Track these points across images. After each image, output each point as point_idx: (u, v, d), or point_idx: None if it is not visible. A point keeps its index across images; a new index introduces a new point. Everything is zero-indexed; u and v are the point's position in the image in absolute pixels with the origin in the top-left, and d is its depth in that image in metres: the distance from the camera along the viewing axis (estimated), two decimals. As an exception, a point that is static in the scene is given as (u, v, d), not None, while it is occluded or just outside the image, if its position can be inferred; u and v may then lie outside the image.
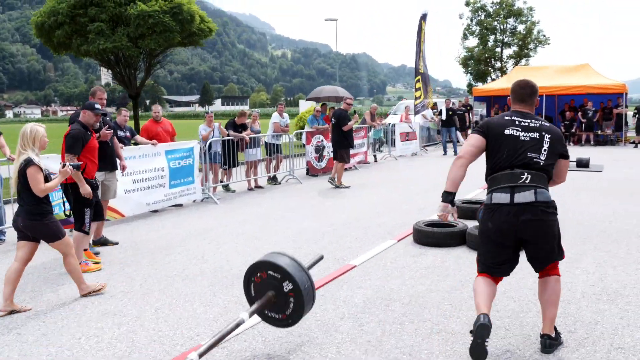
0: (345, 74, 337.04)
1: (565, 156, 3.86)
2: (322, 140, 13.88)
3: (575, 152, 19.31)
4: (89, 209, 5.97)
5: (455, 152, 19.35)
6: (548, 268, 3.81)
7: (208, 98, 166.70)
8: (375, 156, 17.35)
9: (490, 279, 3.79)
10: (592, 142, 22.06)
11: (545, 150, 3.69)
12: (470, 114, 24.02)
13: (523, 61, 31.95)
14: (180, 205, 10.01)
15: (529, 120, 3.78)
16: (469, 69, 32.31)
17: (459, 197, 8.76)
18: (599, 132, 22.50)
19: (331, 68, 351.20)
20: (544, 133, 3.73)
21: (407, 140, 18.73)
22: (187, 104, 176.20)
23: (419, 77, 20.65)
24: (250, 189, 11.92)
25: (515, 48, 32.19)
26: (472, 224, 6.98)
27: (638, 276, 5.40)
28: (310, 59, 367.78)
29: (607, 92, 22.04)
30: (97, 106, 6.21)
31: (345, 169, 14.50)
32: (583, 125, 22.21)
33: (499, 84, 25.12)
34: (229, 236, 7.57)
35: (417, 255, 6.35)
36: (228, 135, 11.39)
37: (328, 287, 5.31)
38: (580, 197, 9.99)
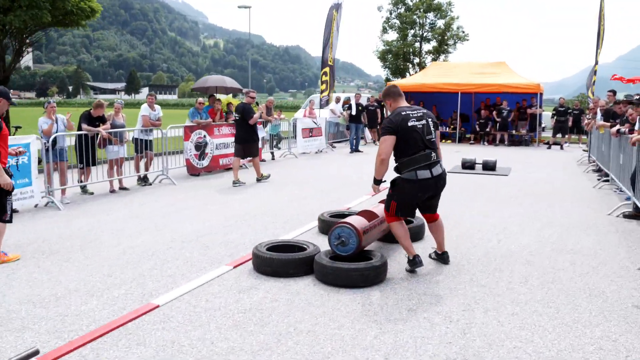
0: (277, 66, 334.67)
1: (437, 126, 5.49)
2: (204, 136, 12.33)
3: (488, 152, 18.66)
4: (10, 198, 5.77)
5: (356, 149, 18.17)
6: (435, 215, 5.68)
7: (134, 86, 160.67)
8: (272, 153, 15.94)
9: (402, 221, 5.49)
10: (506, 142, 21.50)
11: (432, 130, 5.30)
12: (385, 110, 22.97)
13: (442, 57, 31.32)
14: (16, 211, 8.26)
15: (416, 111, 5.27)
16: (387, 63, 31.38)
17: (329, 210, 7.49)
18: (514, 132, 21.97)
19: (264, 60, 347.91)
20: (427, 118, 5.30)
21: (311, 136, 17.41)
22: (113, 91, 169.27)
23: (327, 69, 19.37)
24: (112, 191, 10.26)
25: (434, 43, 31.52)
26: (325, 248, 5.68)
27: (512, 326, 4.21)
28: (243, 49, 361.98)
29: (522, 91, 21.49)
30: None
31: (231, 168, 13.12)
32: (497, 124, 21.59)
33: (416, 79, 24.24)
34: (32, 254, 5.99)
35: (247, 289, 4.95)
36: (80, 129, 9.71)
37: (102, 341, 3.85)
38: (475, 203, 8.93)
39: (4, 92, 5.94)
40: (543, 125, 23.26)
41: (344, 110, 20.75)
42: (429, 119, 5.28)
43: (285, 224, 7.56)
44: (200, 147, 12.21)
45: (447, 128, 23.31)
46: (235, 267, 5.58)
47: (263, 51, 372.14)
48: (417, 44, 31.54)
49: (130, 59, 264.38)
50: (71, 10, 14.75)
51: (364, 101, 21.05)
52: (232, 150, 13.04)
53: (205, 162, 12.35)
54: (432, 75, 23.73)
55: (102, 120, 10.02)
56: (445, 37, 30.87)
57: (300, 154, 16.66)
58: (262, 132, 15.34)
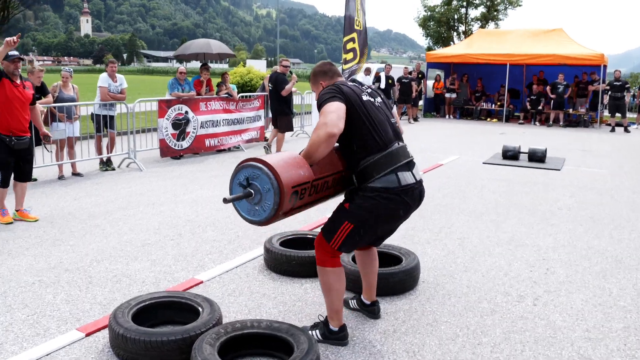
0: (329, 36, 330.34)
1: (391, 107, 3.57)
2: (185, 112, 10.22)
3: (539, 135, 16.03)
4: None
5: None
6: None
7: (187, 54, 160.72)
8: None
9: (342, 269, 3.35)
10: (561, 123, 18.63)
11: (391, 112, 3.47)
12: (422, 84, 20.39)
13: (491, 25, 28.11)
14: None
15: (364, 86, 3.40)
16: (429, 30, 28.41)
17: (275, 233, 5.27)
18: (571, 110, 19.06)
19: (316, 30, 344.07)
20: (380, 96, 3.46)
21: (331, 113, 15.09)
22: (165, 59, 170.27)
23: (354, 34, 16.85)
24: (61, 177, 8.33)
25: (482, 9, 28.29)
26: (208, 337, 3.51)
27: None
28: (295, 19, 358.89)
29: (582, 63, 18.49)
30: (10, 52, 5.58)
31: (227, 150, 11.08)
32: (552, 101, 18.70)
33: (458, 49, 21.44)
34: None
35: None
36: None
37: None
38: (508, 221, 6.55)
39: None
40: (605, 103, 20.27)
41: (372, 83, 18.30)
42: (382, 97, 3.48)
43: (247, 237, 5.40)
44: (180, 126, 10.11)
45: (494, 105, 20.57)
46: (87, 334, 3.45)
47: (315, 21, 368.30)
48: (462, 10, 28.39)
49: (184, 27, 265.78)
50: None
51: (397, 73, 18.52)
52: (222, 129, 11.05)
53: (185, 144, 10.26)
54: (478, 44, 20.87)
55: (42, 91, 8.03)
56: (495, 2, 27.58)
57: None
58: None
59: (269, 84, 10.63)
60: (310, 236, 4.95)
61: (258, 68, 24.16)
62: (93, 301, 4.02)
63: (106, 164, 9.19)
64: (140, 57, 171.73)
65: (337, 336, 3.40)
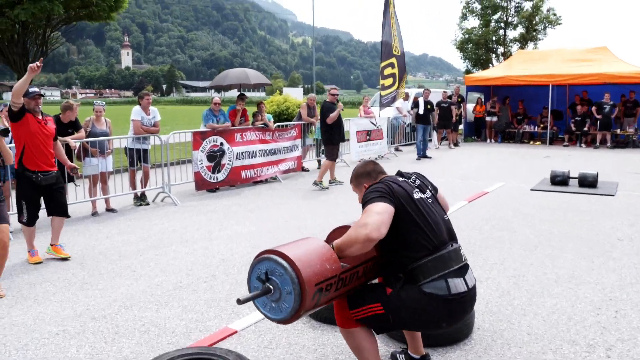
0: (365, 62, 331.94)
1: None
2: (220, 144, 10.02)
3: (586, 157, 15.35)
4: (25, 202, 5.71)
5: (423, 155, 15.38)
6: None
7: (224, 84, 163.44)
8: (319, 161, 13.42)
9: None
10: (609, 144, 17.86)
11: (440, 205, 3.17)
12: (462, 108, 19.93)
13: (530, 45, 27.46)
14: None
15: (411, 179, 3.14)
16: (467, 53, 27.90)
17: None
18: (619, 131, 18.27)
19: (352, 56, 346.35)
20: (427, 186, 3.20)
21: (369, 139, 14.76)
22: (204, 89, 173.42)
23: (393, 59, 16.59)
24: (94, 213, 8.18)
25: (521, 29, 27.65)
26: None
27: None
28: (331, 46, 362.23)
29: (629, 81, 17.74)
30: (31, 89, 5.63)
31: (264, 181, 10.83)
32: (598, 122, 17.97)
33: (498, 72, 20.93)
34: None
35: None
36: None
37: None
38: (565, 254, 6.05)
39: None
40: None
41: (411, 108, 17.92)
42: (429, 187, 3.21)
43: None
44: (215, 157, 9.91)
45: (537, 127, 19.92)
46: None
47: (351, 48, 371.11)
48: (501, 31, 27.81)
49: (222, 57, 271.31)
50: (90, 1, 12.91)
51: (436, 98, 18.11)
52: (259, 160, 10.83)
53: (221, 176, 10.04)
54: (518, 65, 20.33)
55: (75, 126, 7.93)
56: (534, 22, 26.90)
57: (354, 162, 14.06)
58: (309, 140, 12.97)
59: (320, 113, 10.71)
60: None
61: (295, 96, 24.11)
62: (118, 355, 3.72)
63: (140, 199, 9.02)
64: (179, 87, 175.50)
65: None
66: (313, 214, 8.09)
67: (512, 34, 28.26)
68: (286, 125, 12.03)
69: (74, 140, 7.68)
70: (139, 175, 9.08)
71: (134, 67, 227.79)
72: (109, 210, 8.44)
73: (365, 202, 2.88)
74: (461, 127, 20.58)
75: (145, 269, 5.54)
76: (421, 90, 20.93)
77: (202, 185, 9.73)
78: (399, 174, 3.19)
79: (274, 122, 11.94)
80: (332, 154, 10.63)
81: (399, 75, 16.91)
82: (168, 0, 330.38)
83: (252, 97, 47.69)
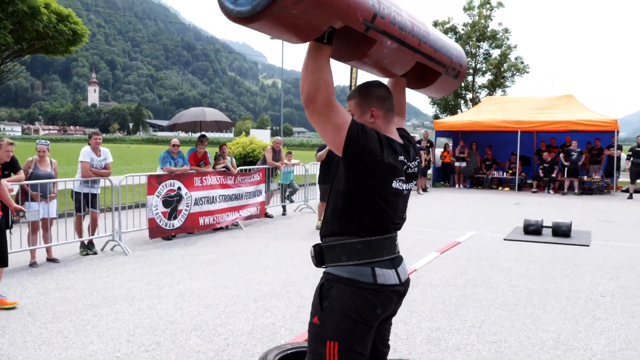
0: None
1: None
2: (178, 189, 9.40)
3: (556, 204, 15.10)
4: None
5: None
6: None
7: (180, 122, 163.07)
8: (284, 207, 12.85)
9: None
10: (576, 190, 17.77)
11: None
12: (431, 153, 19.70)
13: (498, 92, 27.68)
14: None
15: (410, 149, 2.55)
16: (436, 99, 27.95)
17: (273, 346, 4.26)
18: (585, 177, 18.24)
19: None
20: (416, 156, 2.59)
21: (336, 184, 14.28)
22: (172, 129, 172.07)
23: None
24: (32, 264, 7.41)
25: (489, 76, 27.93)
26: None
27: None
28: (300, 89, 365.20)
29: (595, 129, 17.82)
30: None
31: (224, 228, 10.21)
32: (566, 169, 17.93)
33: (467, 117, 20.91)
34: None
35: None
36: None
37: None
38: (547, 314, 5.56)
39: None
40: (622, 168, 19.46)
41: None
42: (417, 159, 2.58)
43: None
44: (172, 203, 9.27)
45: (505, 173, 19.77)
46: None
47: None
48: (469, 77, 28.04)
49: (190, 97, 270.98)
50: (46, 33, 12.30)
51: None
52: (219, 206, 10.22)
53: (177, 223, 9.38)
54: (487, 111, 20.32)
55: (12, 167, 7.25)
56: (502, 69, 27.24)
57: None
58: (273, 184, 12.43)
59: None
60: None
61: (261, 138, 23.64)
62: None
63: (87, 248, 8.29)
64: (146, 126, 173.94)
65: None
66: (275, 268, 7.49)
67: (480, 80, 28.56)
68: (249, 170, 11.49)
69: (11, 183, 6.98)
70: (87, 221, 8.38)
71: (101, 104, 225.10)
72: (50, 260, 7.68)
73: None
74: (430, 172, 20.32)
75: (80, 334, 4.84)
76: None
77: (156, 232, 9.04)
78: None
79: (238, 165, 11.41)
80: (322, 195, 10.48)
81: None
82: (138, 38, 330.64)
83: (218, 138, 47.07)
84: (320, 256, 2.45)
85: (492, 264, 7.72)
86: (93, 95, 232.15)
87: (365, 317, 2.33)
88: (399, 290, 2.47)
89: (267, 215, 11.95)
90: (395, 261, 2.48)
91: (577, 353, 4.56)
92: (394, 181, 2.39)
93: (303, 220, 11.92)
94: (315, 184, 14.19)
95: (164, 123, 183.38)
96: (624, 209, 14.11)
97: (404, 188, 2.46)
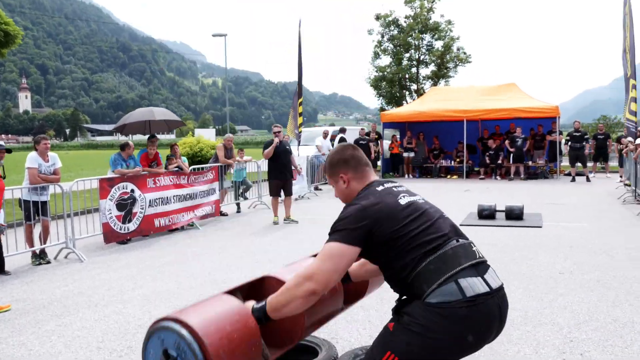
0: (276, 102, 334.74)
1: None
2: (131, 191, 9.17)
3: (504, 189, 15.53)
4: None
5: None
6: None
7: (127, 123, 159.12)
8: (238, 204, 12.73)
9: None
10: (522, 175, 18.33)
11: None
12: (379, 145, 19.92)
13: (442, 82, 28.21)
14: None
15: (397, 185, 2.55)
16: (381, 91, 28.27)
17: None
18: (530, 163, 18.82)
19: (262, 96, 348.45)
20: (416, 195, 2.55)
21: (289, 180, 14.24)
22: (111, 132, 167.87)
23: (302, 99, 16.40)
24: (-17, 277, 7.08)
25: (433, 67, 28.43)
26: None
27: None
28: (241, 87, 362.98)
29: (537, 116, 18.42)
30: None
31: (180, 229, 10.02)
32: (511, 155, 18.46)
33: (412, 108, 21.25)
34: None
35: None
36: None
37: None
38: (513, 294, 5.71)
39: None
40: (563, 153, 20.20)
41: (332, 146, 17.70)
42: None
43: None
44: (126, 206, 9.03)
45: (453, 162, 20.19)
46: None
47: (261, 88, 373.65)
48: (413, 69, 28.48)
49: (129, 100, 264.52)
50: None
51: (352, 136, 18.00)
52: (174, 206, 10.03)
53: (132, 226, 9.15)
54: (432, 101, 20.70)
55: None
56: (445, 60, 27.81)
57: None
58: (226, 182, 12.30)
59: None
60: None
61: (208, 137, 23.36)
62: None
63: (40, 257, 7.97)
64: (84, 131, 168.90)
65: None
66: (238, 266, 7.40)
67: (424, 71, 29.02)
68: (202, 168, 11.32)
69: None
70: (37, 230, 8.07)
71: (34, 110, 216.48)
72: (1, 272, 7.36)
73: (330, 232, 2.38)
74: (379, 163, 20.54)
75: (45, 345, 4.66)
76: (338, 128, 20.86)
77: (111, 237, 8.80)
78: (379, 183, 2.57)
79: (189, 165, 11.23)
80: (270, 190, 10.75)
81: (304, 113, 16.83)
82: (70, 40, 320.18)
83: (162, 140, 46.17)
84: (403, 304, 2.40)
85: (452, 249, 7.86)
86: (25, 102, 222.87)
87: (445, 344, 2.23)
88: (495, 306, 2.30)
89: (222, 214, 11.82)
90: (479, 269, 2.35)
91: (546, 328, 4.70)
92: (400, 198, 2.44)
93: (258, 216, 11.84)
94: (265, 180, 14.15)
95: (103, 127, 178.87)
96: (568, 192, 14.63)
97: (410, 200, 2.46)
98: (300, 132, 16.27)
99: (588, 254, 7.45)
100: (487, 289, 2.27)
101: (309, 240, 8.95)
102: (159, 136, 10.80)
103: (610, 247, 7.79)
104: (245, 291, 2.73)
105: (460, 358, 2.31)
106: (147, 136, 10.61)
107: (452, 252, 2.31)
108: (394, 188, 2.50)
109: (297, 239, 9.07)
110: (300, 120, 15.98)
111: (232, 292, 2.58)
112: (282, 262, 7.38)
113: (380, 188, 2.47)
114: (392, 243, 2.32)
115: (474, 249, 2.42)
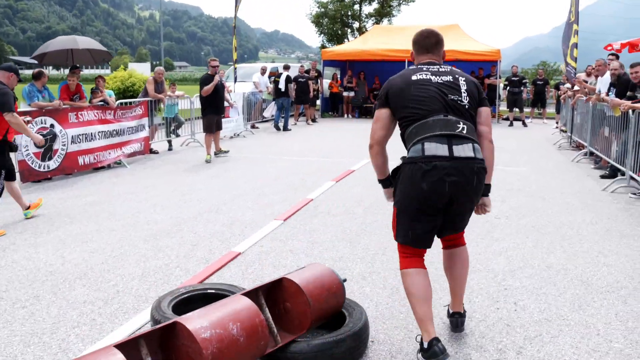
0: (216, 38, 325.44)
1: (486, 104, 3.24)
2: (51, 126, 8.50)
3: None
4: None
5: (285, 127, 15.14)
6: (457, 236, 3.36)
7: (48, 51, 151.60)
8: (170, 142, 12.17)
9: (421, 267, 3.12)
10: (460, 118, 18.36)
11: (465, 93, 3.10)
12: (319, 83, 19.47)
13: (385, 21, 27.69)
14: None
15: (438, 66, 3.25)
16: (322, 28, 27.51)
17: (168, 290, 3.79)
18: (469, 105, 18.84)
19: (202, 32, 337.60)
20: (457, 76, 3.18)
21: (223, 117, 13.70)
22: (41, 66, 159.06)
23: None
24: None
25: (376, 5, 27.76)
26: None
27: None
28: (180, 21, 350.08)
29: (479, 59, 18.33)
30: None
31: (106, 167, 9.50)
32: (451, 98, 18.42)
33: (354, 46, 20.79)
34: None
35: None
36: None
37: None
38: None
39: (14, 68, 6.23)
40: (502, 98, 20.35)
41: (270, 82, 17.16)
42: (461, 79, 3.17)
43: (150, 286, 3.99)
44: (45, 142, 8.37)
45: (393, 102, 20.02)
46: None
47: (201, 23, 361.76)
48: (356, 6, 27.75)
49: (60, 31, 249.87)
50: None
51: (292, 73, 17.47)
52: (99, 143, 9.44)
53: (53, 164, 8.53)
54: (374, 40, 20.26)
55: None
56: (388, -2, 27.21)
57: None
58: (157, 118, 11.70)
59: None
60: (213, 291, 3.63)
61: (141, 71, 22.28)
62: None
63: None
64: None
65: (425, 355, 2.96)
66: (164, 206, 6.99)
67: (367, 9, 28.38)
68: (130, 103, 10.66)
69: None
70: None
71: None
72: None
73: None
74: (318, 102, 20.17)
75: (-60, 293, 4.19)
76: (278, 65, 20.29)
77: (29, 176, 8.17)
78: (424, 63, 3.29)
79: (117, 100, 10.55)
80: (206, 127, 10.46)
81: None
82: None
83: (94, 74, 44.08)
84: None
85: (389, 192, 7.70)
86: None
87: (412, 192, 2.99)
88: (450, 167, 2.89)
89: (152, 152, 11.28)
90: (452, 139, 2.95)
91: (481, 275, 4.59)
92: (415, 75, 3.14)
93: (191, 154, 11.37)
94: (199, 118, 13.59)
95: (32, 60, 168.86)
96: (506, 136, 14.71)
97: (420, 77, 3.12)
98: (236, 68, 15.60)
99: (525, 197, 7.44)
100: (447, 154, 2.87)
101: (242, 177, 8.61)
102: (88, 71, 10.04)
103: (546, 192, 7.81)
104: (265, 292, 3.18)
105: (424, 207, 2.97)
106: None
107: (432, 122, 2.95)
108: (422, 67, 3.21)
109: (229, 177, 8.71)
110: (235, 55, 15.31)
111: (250, 292, 3.07)
112: (213, 202, 7.03)
113: (411, 67, 3.24)
114: (400, 110, 3.08)
115: (460, 126, 2.96)
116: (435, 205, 2.95)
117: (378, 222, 6.16)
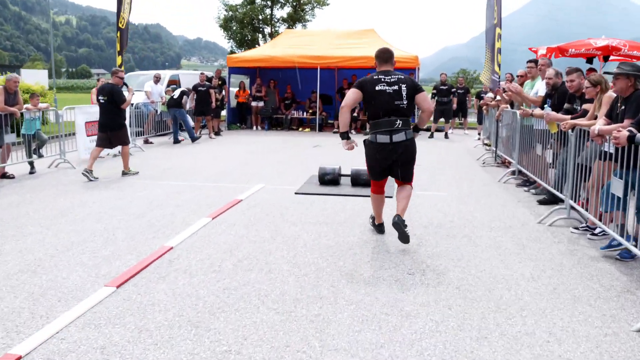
0: (137, 45, 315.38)
1: (421, 89, 5.40)
2: None
3: (360, 145, 13.92)
4: None
5: (192, 138, 13.25)
6: (405, 182, 5.54)
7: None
8: (31, 163, 9.93)
9: (381, 194, 5.73)
10: (378, 130, 16.92)
11: (404, 96, 5.23)
12: (224, 91, 17.58)
13: (298, 26, 26.09)
14: None
15: (389, 77, 5.27)
16: (231, 33, 25.55)
17: None
18: (388, 116, 17.45)
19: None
20: (401, 84, 5.24)
21: (101, 132, 11.61)
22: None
23: (119, 33, 13.66)
24: None
25: (288, 9, 26.11)
26: None
27: None
28: (98, 27, 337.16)
29: (397, 66, 16.77)
30: None
31: None
32: (367, 108, 16.97)
33: (263, 51, 19.00)
34: None
35: None
36: None
37: None
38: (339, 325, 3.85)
39: None
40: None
41: (166, 91, 15.13)
42: (403, 85, 5.25)
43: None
44: None
45: (306, 113, 18.36)
46: None
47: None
48: (267, 10, 25.97)
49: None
50: None
51: (191, 81, 15.52)
52: None
53: None
54: (284, 45, 18.55)
55: None
56: (302, 1, 25.58)
57: (83, 160, 10.79)
58: (10, 136, 9.52)
59: (101, 97, 9.33)
60: None
61: (36, 81, 19.81)
62: None
63: None
64: None
65: (377, 228, 5.95)
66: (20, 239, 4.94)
67: (279, 13, 26.68)
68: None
69: None
70: None
71: None
72: None
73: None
74: (224, 113, 18.25)
75: None
76: (177, 72, 18.29)
77: None
78: (383, 72, 5.36)
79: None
80: (126, 138, 9.74)
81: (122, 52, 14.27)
82: None
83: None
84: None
85: (275, 234, 5.94)
86: None
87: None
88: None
89: (6, 177, 9.09)
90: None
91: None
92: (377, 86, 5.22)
93: (55, 177, 9.27)
94: (74, 134, 11.45)
95: None
96: (427, 150, 13.20)
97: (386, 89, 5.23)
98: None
99: (445, 239, 5.84)
100: (388, 141, 5.21)
101: (90, 217, 6.60)
102: None
103: (471, 228, 6.28)
104: None
105: (379, 163, 5.38)
106: None
107: (382, 122, 5.20)
108: (382, 77, 5.26)
109: (74, 216, 6.68)
110: (119, 60, 13.23)
111: None
112: (34, 256, 5.00)
113: (375, 76, 5.30)
114: (366, 100, 5.28)
115: (397, 123, 5.19)
116: (385, 163, 5.34)
117: (250, 284, 4.39)
